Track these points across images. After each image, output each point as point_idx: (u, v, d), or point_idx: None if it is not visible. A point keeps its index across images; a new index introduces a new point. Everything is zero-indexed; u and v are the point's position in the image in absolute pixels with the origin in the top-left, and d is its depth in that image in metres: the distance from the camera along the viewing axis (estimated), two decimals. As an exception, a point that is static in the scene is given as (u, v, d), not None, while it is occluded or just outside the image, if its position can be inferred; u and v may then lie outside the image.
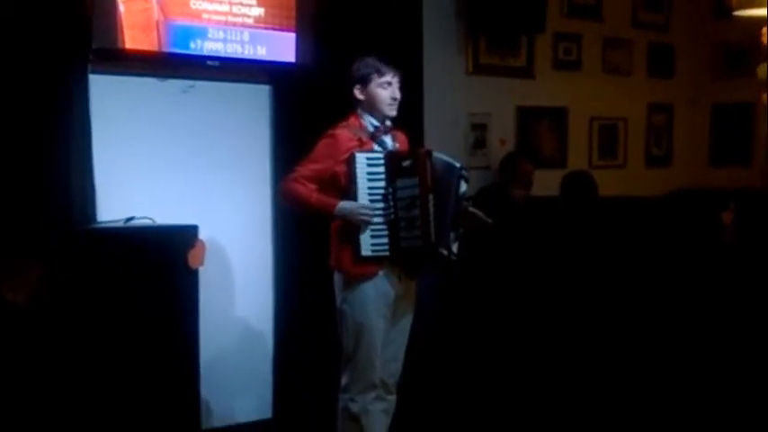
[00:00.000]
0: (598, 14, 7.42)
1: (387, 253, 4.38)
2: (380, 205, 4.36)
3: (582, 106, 7.36)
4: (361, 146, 4.43)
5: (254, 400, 5.68)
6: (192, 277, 4.83)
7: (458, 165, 4.46)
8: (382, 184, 4.37)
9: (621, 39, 7.59)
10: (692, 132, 8.04)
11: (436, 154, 4.43)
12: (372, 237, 4.35)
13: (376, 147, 4.48)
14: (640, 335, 6.00)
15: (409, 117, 4.94)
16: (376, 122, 4.51)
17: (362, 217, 4.33)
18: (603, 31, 7.46)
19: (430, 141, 5.83)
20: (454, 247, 4.42)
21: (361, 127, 4.50)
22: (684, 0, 7.92)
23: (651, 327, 6.02)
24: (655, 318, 6.05)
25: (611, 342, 5.96)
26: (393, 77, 4.50)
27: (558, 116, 7.26)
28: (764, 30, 6.16)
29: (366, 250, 4.35)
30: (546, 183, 6.64)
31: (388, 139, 4.56)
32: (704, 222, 6.41)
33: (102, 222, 4.87)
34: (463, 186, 4.45)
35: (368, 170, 4.36)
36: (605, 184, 6.78)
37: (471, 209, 4.53)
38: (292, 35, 5.42)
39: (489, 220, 4.58)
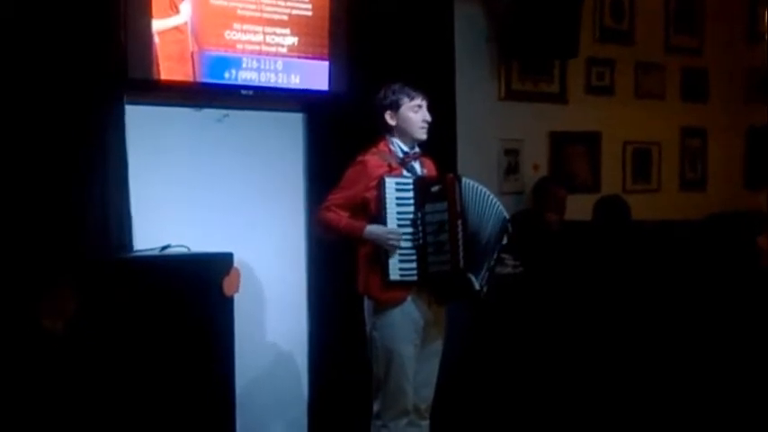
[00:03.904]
0: (631, 39, 7.44)
1: (415, 278, 4.40)
2: (409, 230, 4.39)
3: (615, 131, 7.36)
4: (390, 171, 4.45)
5: (288, 427, 5.69)
6: (227, 305, 4.86)
7: (504, 216, 4.46)
8: (411, 209, 4.40)
9: (654, 63, 7.59)
10: (726, 156, 8.02)
11: (470, 181, 4.46)
12: (401, 261, 4.38)
13: (405, 172, 4.50)
14: (679, 362, 5.97)
15: (442, 142, 4.97)
16: (405, 148, 4.55)
17: (391, 241, 4.35)
18: (636, 56, 7.47)
19: (463, 166, 5.85)
20: (483, 282, 4.43)
21: (390, 153, 4.54)
22: (717, 24, 7.91)
23: (689, 353, 5.99)
24: (692, 343, 6.03)
25: (649, 370, 5.93)
26: (423, 101, 4.55)
27: (591, 141, 7.26)
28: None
29: (394, 275, 4.37)
30: (579, 208, 6.62)
31: (416, 165, 4.59)
32: (741, 247, 6.39)
33: (138, 251, 4.91)
34: (505, 239, 4.46)
35: (397, 195, 4.39)
36: (639, 208, 6.76)
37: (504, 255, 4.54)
38: (325, 63, 5.47)
39: (520, 269, 4.59)
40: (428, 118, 4.55)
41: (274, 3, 5.27)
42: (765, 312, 5.93)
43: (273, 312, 5.60)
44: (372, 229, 4.38)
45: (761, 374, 5.75)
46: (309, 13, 5.40)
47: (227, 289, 4.83)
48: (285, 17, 5.31)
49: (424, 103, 4.55)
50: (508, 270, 4.60)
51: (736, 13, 7.95)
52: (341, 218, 4.44)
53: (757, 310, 5.98)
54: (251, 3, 5.19)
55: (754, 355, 5.83)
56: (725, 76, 7.96)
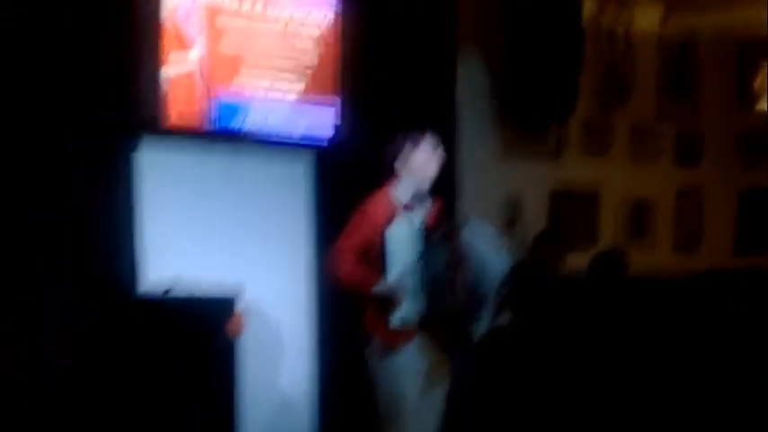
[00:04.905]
0: (626, 100, 7.56)
1: (416, 320, 4.42)
2: (413, 275, 4.41)
3: (612, 191, 7.46)
4: (396, 213, 4.47)
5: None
6: (230, 348, 4.89)
7: (509, 265, 4.51)
8: (415, 253, 4.42)
9: (649, 126, 7.70)
10: (720, 218, 8.10)
11: (475, 224, 4.52)
12: (405, 304, 4.39)
13: (411, 213, 4.52)
14: (669, 415, 5.98)
15: (443, 195, 5.01)
16: (411, 191, 4.57)
17: (396, 296, 4.38)
18: (632, 119, 7.58)
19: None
20: (485, 328, 4.47)
21: (397, 195, 4.56)
22: (710, 90, 8.04)
23: (683, 409, 6.01)
24: (682, 396, 6.04)
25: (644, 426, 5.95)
26: (437, 141, 4.62)
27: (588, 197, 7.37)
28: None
29: (397, 318, 4.40)
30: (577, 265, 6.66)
31: (423, 206, 4.60)
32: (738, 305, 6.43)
33: (143, 294, 4.93)
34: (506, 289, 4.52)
35: (400, 240, 4.41)
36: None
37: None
38: (332, 110, 5.55)
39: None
40: (444, 156, 4.61)
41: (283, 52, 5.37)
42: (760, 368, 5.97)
43: (279, 356, 5.61)
44: (380, 288, 4.39)
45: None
46: (316, 62, 5.50)
47: (230, 332, 4.85)
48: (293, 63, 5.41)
49: (439, 145, 4.62)
50: (505, 321, 4.65)
51: (728, 78, 8.07)
52: (354, 271, 4.43)
53: (752, 367, 6.02)
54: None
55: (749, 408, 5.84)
56: (718, 141, 8.07)
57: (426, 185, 4.61)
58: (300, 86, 5.44)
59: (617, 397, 5.93)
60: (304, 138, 5.52)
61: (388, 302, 4.41)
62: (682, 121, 7.92)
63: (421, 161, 4.57)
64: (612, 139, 7.48)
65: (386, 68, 5.87)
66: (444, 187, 5.19)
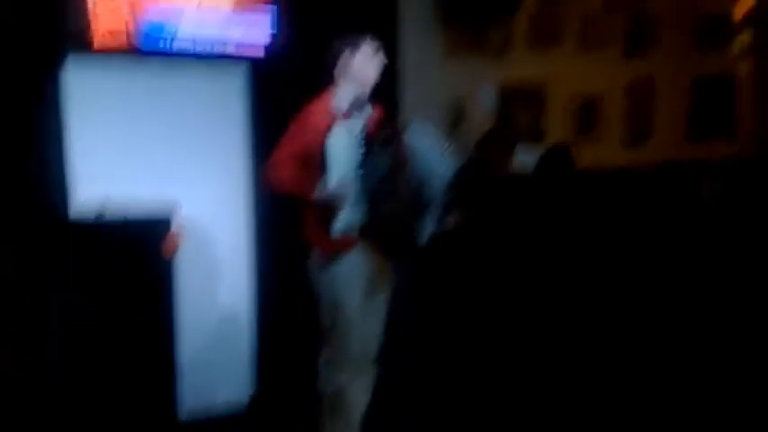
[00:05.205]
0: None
1: (358, 228, 4.42)
2: (354, 180, 4.39)
3: (560, 83, 7.41)
4: (335, 120, 4.44)
5: (235, 387, 5.70)
6: (166, 267, 4.88)
7: (453, 167, 4.51)
8: (357, 159, 4.40)
9: (598, 17, 7.61)
10: (671, 107, 8.08)
11: (418, 127, 4.49)
12: (346, 212, 4.39)
13: (351, 120, 4.49)
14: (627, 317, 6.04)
15: (386, 98, 4.96)
16: (351, 98, 4.52)
17: (337, 201, 4.37)
18: (579, 11, 7.50)
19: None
20: (430, 233, 4.47)
21: (337, 101, 4.51)
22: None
23: (636, 307, 6.06)
24: (640, 295, 6.09)
25: (589, 322, 5.97)
26: (378, 45, 4.57)
27: (535, 94, 7.31)
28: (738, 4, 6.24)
29: (339, 226, 4.39)
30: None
31: (364, 112, 4.56)
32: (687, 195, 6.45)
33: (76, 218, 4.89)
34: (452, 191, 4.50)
35: (341, 147, 4.39)
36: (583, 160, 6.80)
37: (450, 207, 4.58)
38: (267, 17, 5.44)
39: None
40: (385, 60, 4.57)
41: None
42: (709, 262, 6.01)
43: (217, 271, 5.60)
44: (319, 193, 4.38)
45: (702, 330, 5.83)
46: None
47: (166, 250, 4.82)
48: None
49: (380, 49, 4.57)
50: (452, 223, 4.64)
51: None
52: (292, 178, 4.42)
53: (702, 259, 6.06)
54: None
55: (698, 309, 5.90)
56: (672, 26, 7.96)
57: (367, 91, 4.57)
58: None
59: (567, 295, 5.96)
60: (238, 48, 5.41)
61: (328, 211, 4.40)
62: (631, 10, 7.83)
63: (360, 66, 4.53)
64: (560, 33, 7.39)
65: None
66: (387, 91, 5.16)
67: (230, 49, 5.37)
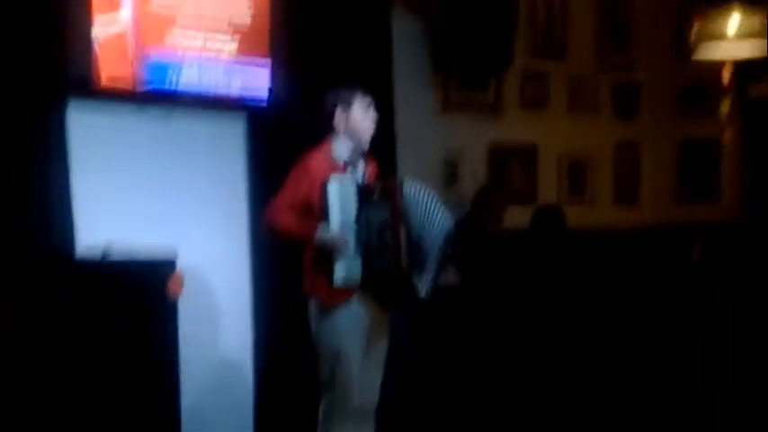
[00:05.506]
0: (563, 54, 7.58)
1: (359, 280, 4.42)
2: (353, 233, 4.40)
3: (551, 143, 7.48)
4: (335, 171, 4.47)
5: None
6: (170, 310, 4.84)
7: (449, 222, 4.54)
8: (354, 211, 4.41)
9: (587, 79, 7.71)
10: (659, 170, 8.15)
11: (414, 184, 4.52)
12: (345, 263, 4.38)
13: (348, 173, 4.53)
14: (612, 369, 6.04)
15: (381, 153, 4.99)
16: (350, 148, 4.56)
17: (338, 246, 4.36)
18: (570, 71, 7.60)
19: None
20: (427, 287, 4.49)
21: (335, 153, 4.55)
22: (647, 41, 8.07)
23: (623, 359, 6.07)
24: (626, 350, 6.10)
25: (583, 376, 5.98)
26: (371, 101, 4.60)
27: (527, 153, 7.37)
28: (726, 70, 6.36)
29: (338, 279, 4.38)
30: (517, 219, 6.68)
31: (360, 165, 4.61)
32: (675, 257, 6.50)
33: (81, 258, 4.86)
34: (449, 247, 4.53)
35: (340, 197, 4.39)
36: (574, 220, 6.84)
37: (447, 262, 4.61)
38: (266, 70, 5.47)
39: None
40: (376, 116, 4.61)
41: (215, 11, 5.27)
42: (698, 319, 6.03)
43: (218, 317, 5.58)
44: (321, 234, 4.38)
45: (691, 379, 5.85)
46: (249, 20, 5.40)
47: (170, 292, 4.80)
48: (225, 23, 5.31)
49: (372, 104, 4.60)
50: (449, 278, 4.66)
51: (664, 31, 8.10)
52: (292, 223, 4.43)
53: (691, 318, 6.09)
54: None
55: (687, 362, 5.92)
56: (656, 92, 8.12)
57: (365, 144, 4.60)
58: (233, 46, 5.34)
59: (561, 350, 5.97)
60: (238, 98, 5.44)
61: (327, 260, 4.39)
62: (619, 73, 7.93)
63: (355, 120, 4.56)
64: (550, 93, 7.47)
65: (321, 27, 5.80)
66: (383, 146, 5.20)
67: (231, 97, 5.40)
